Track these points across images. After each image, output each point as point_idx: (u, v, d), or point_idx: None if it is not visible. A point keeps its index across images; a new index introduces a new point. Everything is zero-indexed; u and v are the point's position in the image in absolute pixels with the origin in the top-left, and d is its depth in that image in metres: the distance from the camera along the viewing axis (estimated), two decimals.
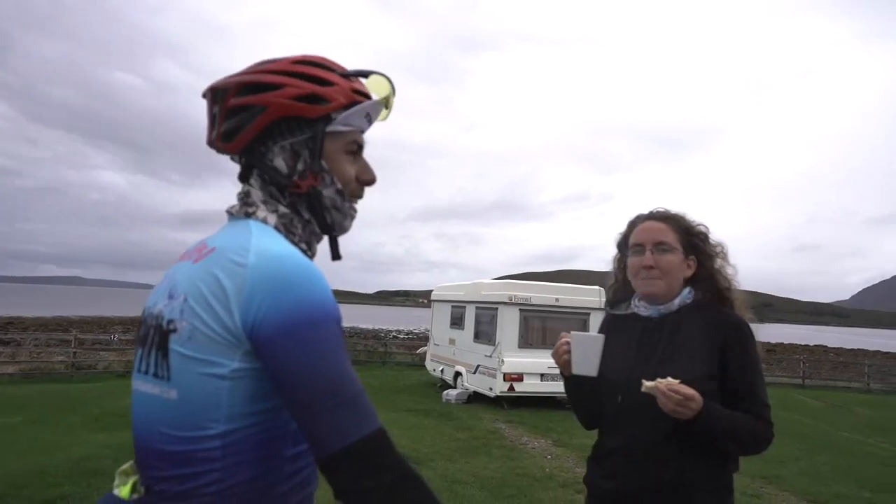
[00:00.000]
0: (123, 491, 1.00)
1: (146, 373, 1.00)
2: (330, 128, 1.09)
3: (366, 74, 1.16)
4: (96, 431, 7.88)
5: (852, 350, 47.62)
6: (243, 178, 1.13)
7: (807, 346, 50.18)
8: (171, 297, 0.99)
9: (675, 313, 1.77)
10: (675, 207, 1.89)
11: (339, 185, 1.12)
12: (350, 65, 1.15)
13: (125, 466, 1.05)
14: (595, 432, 1.91)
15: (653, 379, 1.62)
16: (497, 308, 11.58)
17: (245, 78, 1.08)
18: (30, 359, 16.25)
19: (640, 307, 1.82)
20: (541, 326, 11.71)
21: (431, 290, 15.60)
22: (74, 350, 15.50)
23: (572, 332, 1.74)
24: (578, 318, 11.76)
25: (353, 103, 1.11)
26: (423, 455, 7.28)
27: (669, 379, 1.56)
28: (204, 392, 0.92)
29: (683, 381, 1.60)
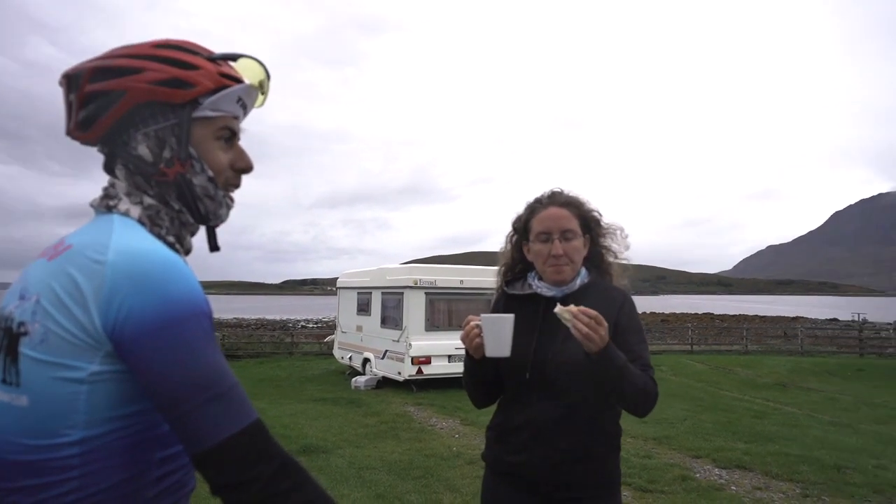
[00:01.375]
0: None
1: None
2: (197, 113, 1.06)
3: (234, 58, 1.13)
4: None
5: (735, 316, 51.74)
6: (108, 169, 1.08)
7: (696, 314, 54.00)
8: (22, 297, 0.94)
9: (575, 292, 1.85)
10: (571, 187, 1.95)
11: (211, 173, 1.09)
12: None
13: None
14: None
15: (561, 357, 1.73)
16: (403, 292, 11.64)
17: (101, 63, 1.03)
18: None
19: (541, 287, 1.87)
20: (447, 309, 11.89)
21: (338, 278, 15.43)
22: None
23: (482, 315, 1.73)
24: (483, 299, 12.03)
25: (222, 87, 1.08)
26: (330, 443, 7.24)
27: (573, 306, 1.62)
28: (58, 397, 0.88)
29: (583, 359, 1.68)
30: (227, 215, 1.15)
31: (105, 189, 1.06)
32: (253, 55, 1.15)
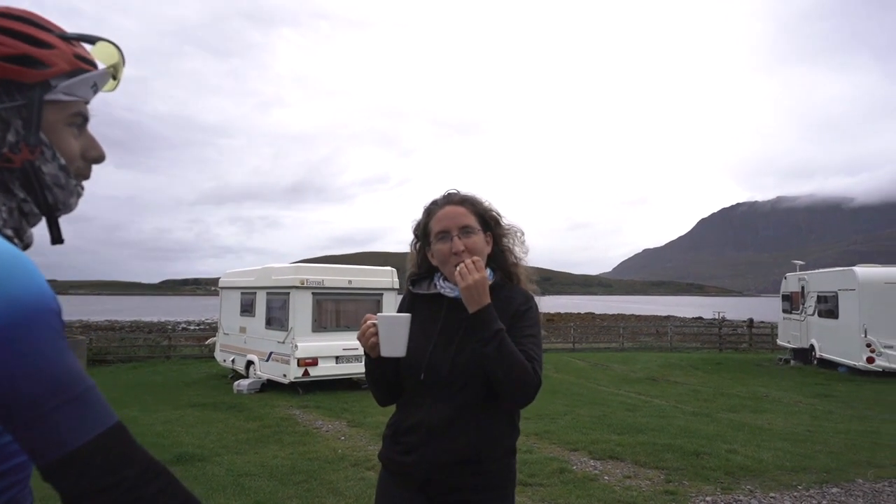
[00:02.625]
0: None
1: None
2: (49, 96, 0.96)
3: (92, 40, 1.05)
4: None
5: (614, 315, 54.94)
6: None
7: (579, 314, 56.78)
8: None
9: None
10: (466, 188, 1.95)
11: (63, 161, 0.99)
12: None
13: None
14: (391, 410, 1.93)
15: (453, 357, 1.75)
16: (289, 293, 11.33)
17: None
18: None
19: (445, 288, 1.85)
20: (334, 309, 11.71)
21: (220, 278, 14.75)
22: None
23: (379, 314, 1.72)
24: (372, 300, 11.97)
25: (77, 70, 0.99)
26: (208, 451, 6.89)
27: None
28: None
29: (476, 363, 1.72)
30: (76, 204, 1.06)
31: None
32: (111, 39, 1.06)
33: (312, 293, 11.40)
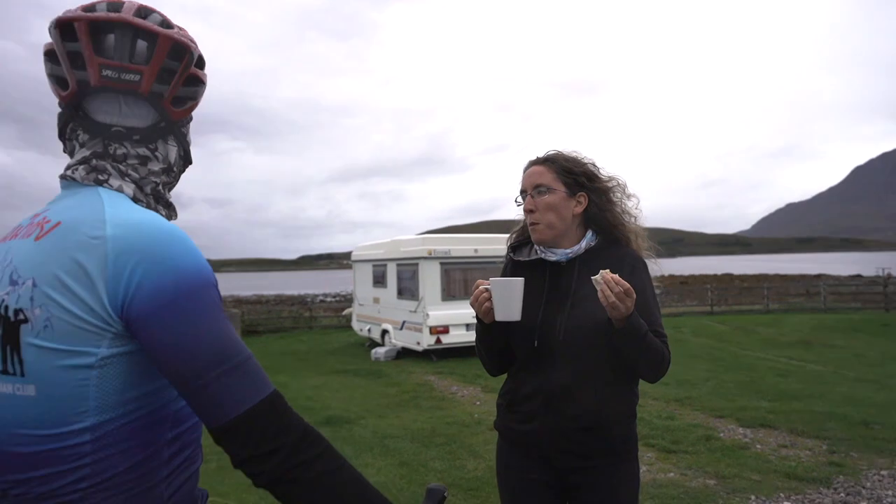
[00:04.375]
0: None
1: None
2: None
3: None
4: None
5: (755, 276, 51.26)
6: (101, 141, 1.00)
7: (715, 275, 53.57)
8: (13, 282, 0.88)
9: (582, 256, 1.79)
10: (579, 149, 1.87)
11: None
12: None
13: None
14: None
15: (566, 321, 1.69)
16: (417, 263, 11.63)
17: (196, 49, 1.06)
18: None
19: (546, 252, 1.81)
20: (462, 278, 11.85)
21: (352, 251, 15.47)
22: None
23: (491, 278, 1.70)
24: (498, 267, 11.96)
25: None
26: (353, 414, 7.30)
27: (608, 272, 1.57)
28: (67, 385, 0.84)
29: (593, 325, 1.66)
30: None
31: (89, 161, 0.99)
32: None
33: (440, 263, 11.63)
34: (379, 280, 13.40)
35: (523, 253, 1.90)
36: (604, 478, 1.73)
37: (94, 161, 0.99)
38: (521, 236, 1.95)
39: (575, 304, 1.73)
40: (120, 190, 0.98)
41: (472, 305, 1.74)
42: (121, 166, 1.00)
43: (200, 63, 1.09)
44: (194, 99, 1.08)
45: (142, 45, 0.99)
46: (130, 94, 1.00)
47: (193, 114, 1.12)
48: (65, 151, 1.06)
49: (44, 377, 0.84)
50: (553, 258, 1.80)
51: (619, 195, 1.86)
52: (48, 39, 0.99)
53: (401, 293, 12.35)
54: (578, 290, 1.75)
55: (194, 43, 1.05)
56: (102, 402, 0.86)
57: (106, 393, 0.86)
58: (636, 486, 1.78)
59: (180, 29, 1.04)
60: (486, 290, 1.70)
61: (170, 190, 1.09)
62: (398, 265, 12.46)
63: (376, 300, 13.52)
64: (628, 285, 1.54)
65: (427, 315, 11.30)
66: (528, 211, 1.80)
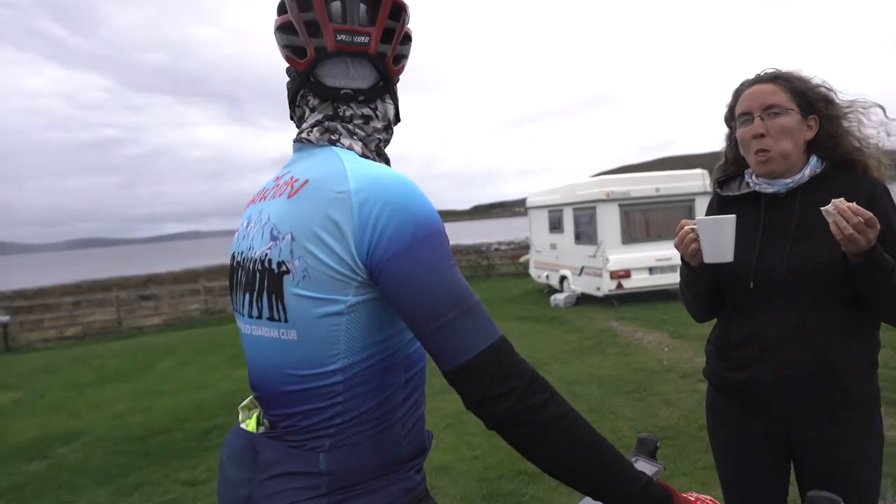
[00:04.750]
0: (250, 424, 1.06)
1: (259, 317, 1.00)
2: None
3: None
4: (236, 368, 8.64)
5: None
6: (332, 104, 1.09)
7: None
8: (273, 238, 0.98)
9: (804, 185, 1.59)
10: (787, 66, 1.64)
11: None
12: None
13: (246, 402, 1.12)
14: (713, 321, 1.81)
15: (787, 259, 1.53)
16: (595, 207, 11.30)
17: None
18: (169, 310, 17.95)
19: (760, 183, 1.64)
20: (643, 219, 11.31)
21: (526, 198, 15.45)
22: (205, 298, 16.93)
23: (698, 218, 1.58)
24: (682, 206, 11.26)
25: None
26: (537, 360, 7.42)
27: (843, 201, 1.38)
28: (323, 330, 0.94)
29: (821, 262, 1.49)
30: None
31: (322, 123, 1.08)
32: None
33: (619, 205, 11.17)
34: (555, 226, 13.27)
35: (732, 187, 1.74)
36: (839, 433, 1.55)
37: (326, 123, 1.07)
38: (728, 168, 1.78)
39: (797, 239, 1.56)
40: (350, 148, 1.05)
41: (677, 248, 1.63)
42: (349, 126, 1.08)
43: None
44: (407, 56, 1.13)
45: (363, 7, 1.04)
46: (358, 56, 1.06)
47: None
48: (292, 118, 1.15)
49: (303, 323, 0.94)
50: (770, 189, 1.62)
51: (854, 121, 1.61)
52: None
53: (578, 238, 12.12)
54: (801, 223, 1.56)
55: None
56: (350, 346, 0.94)
57: (353, 337, 0.94)
58: (879, 446, 1.58)
59: None
60: (693, 230, 1.58)
61: (386, 146, 1.15)
62: (574, 209, 12.21)
63: (553, 246, 13.44)
64: (870, 214, 1.34)
65: (607, 259, 11.00)
66: (757, 136, 1.59)
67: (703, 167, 11.71)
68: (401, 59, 1.12)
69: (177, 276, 39.12)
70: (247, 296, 1.04)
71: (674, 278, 10.95)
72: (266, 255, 0.98)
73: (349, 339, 0.94)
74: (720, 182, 1.79)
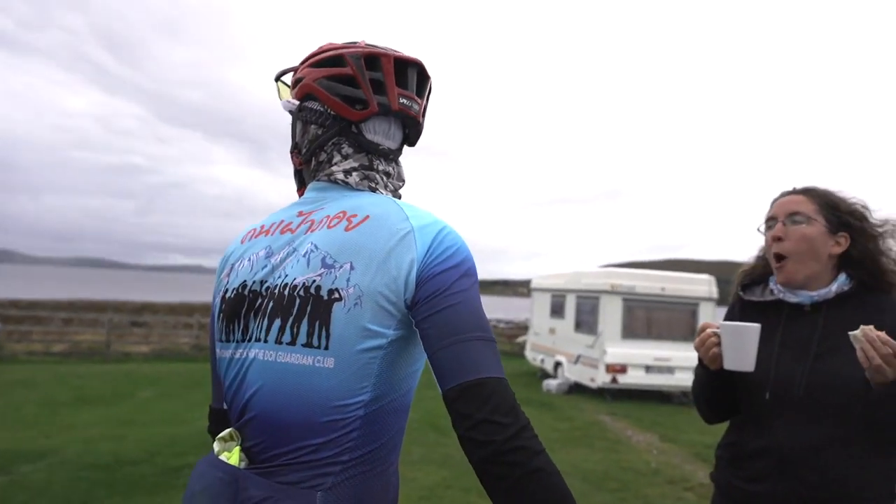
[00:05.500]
0: (232, 458, 1.00)
1: (291, 343, 0.98)
2: None
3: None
4: None
5: None
6: (365, 156, 1.16)
7: None
8: (326, 266, 0.99)
9: (831, 301, 1.58)
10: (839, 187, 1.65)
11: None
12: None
13: (224, 433, 1.05)
14: (707, 429, 1.77)
15: (808, 375, 1.51)
16: (599, 297, 11.28)
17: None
18: (159, 340, 17.75)
19: (784, 292, 1.64)
20: (645, 316, 11.25)
21: (531, 279, 15.47)
22: (197, 333, 16.77)
23: (722, 322, 1.57)
24: (686, 308, 11.23)
25: None
26: None
27: (873, 328, 1.36)
28: (360, 361, 0.95)
29: (844, 384, 1.46)
30: None
31: (359, 171, 1.14)
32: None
33: (623, 298, 11.16)
34: (556, 311, 13.23)
35: (755, 292, 1.73)
36: None
37: (363, 171, 1.15)
38: (753, 273, 1.78)
39: (819, 356, 1.53)
40: (388, 192, 1.15)
41: (697, 349, 1.62)
42: (383, 178, 1.16)
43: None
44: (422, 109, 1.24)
45: (415, 79, 1.16)
46: (402, 119, 1.16)
47: None
48: (307, 159, 1.19)
49: (344, 351, 0.95)
50: (794, 300, 1.61)
51: (892, 241, 1.61)
52: (275, 70, 1.23)
53: (578, 326, 12.06)
54: (824, 340, 1.54)
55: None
56: (379, 380, 0.97)
57: (383, 371, 0.97)
58: None
59: None
60: (715, 334, 1.57)
61: None
62: (578, 297, 12.20)
63: (552, 331, 13.36)
64: (884, 335, 1.33)
65: (605, 351, 10.88)
66: (775, 239, 1.61)
67: (710, 274, 11.77)
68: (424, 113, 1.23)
69: (173, 308, 38.88)
70: (277, 322, 1.00)
71: (671, 380, 10.82)
72: (314, 281, 0.99)
73: (380, 372, 0.96)
74: (744, 286, 1.78)
